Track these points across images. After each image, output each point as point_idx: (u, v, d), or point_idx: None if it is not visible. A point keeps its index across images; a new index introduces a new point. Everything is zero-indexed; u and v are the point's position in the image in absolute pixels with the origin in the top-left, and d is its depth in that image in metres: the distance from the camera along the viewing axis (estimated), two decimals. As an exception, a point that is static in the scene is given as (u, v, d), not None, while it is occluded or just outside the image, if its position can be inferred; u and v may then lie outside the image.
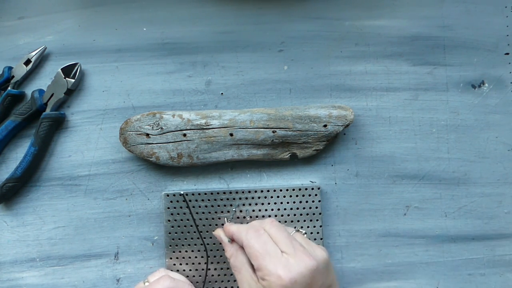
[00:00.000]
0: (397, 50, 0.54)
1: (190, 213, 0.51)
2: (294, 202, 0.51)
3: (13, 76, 0.52)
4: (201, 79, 0.54)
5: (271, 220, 0.47)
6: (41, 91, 0.52)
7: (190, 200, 0.51)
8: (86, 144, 0.53)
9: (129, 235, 0.52)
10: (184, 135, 0.50)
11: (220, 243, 0.50)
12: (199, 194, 0.51)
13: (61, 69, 0.52)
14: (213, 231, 0.50)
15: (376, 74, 0.54)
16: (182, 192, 0.51)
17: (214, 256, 0.51)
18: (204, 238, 0.51)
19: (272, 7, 0.54)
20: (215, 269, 0.51)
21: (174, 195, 0.51)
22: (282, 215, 0.51)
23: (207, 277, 0.51)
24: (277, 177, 0.53)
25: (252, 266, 0.44)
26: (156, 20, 0.54)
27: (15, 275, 0.52)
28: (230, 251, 0.47)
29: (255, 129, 0.50)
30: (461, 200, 0.53)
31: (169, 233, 0.51)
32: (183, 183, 0.53)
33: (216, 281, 0.51)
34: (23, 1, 0.54)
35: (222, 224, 0.51)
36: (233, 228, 0.47)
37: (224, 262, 0.51)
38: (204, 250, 0.51)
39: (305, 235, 0.48)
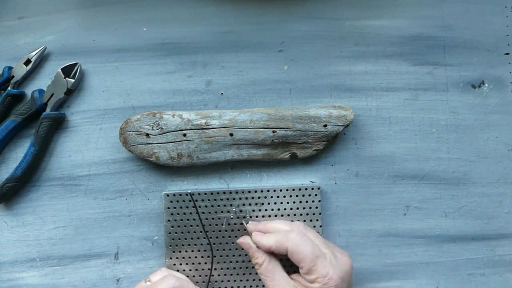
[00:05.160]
0: (397, 50, 0.54)
1: (197, 212, 0.51)
2: (294, 202, 0.51)
3: (13, 76, 0.52)
4: (201, 79, 0.54)
5: (301, 224, 0.48)
6: (41, 91, 0.52)
7: (196, 200, 0.51)
8: (86, 144, 0.53)
9: (129, 235, 0.52)
10: (184, 135, 0.50)
11: (235, 248, 0.49)
12: (199, 194, 0.51)
13: (61, 69, 0.52)
14: (238, 240, 0.49)
15: (376, 74, 0.54)
16: (189, 192, 0.51)
17: (215, 256, 0.51)
18: (210, 238, 0.51)
19: (272, 7, 0.54)
20: (215, 269, 0.51)
21: (174, 195, 0.51)
22: (282, 215, 0.51)
23: (212, 276, 0.51)
24: (277, 177, 0.53)
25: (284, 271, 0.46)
26: (156, 20, 0.54)
27: (15, 275, 0.52)
28: (262, 257, 0.46)
29: (255, 129, 0.50)
30: (461, 200, 0.53)
31: (169, 233, 0.51)
32: (183, 183, 0.53)
33: (216, 281, 0.51)
34: (23, 1, 0.54)
35: (245, 229, 0.51)
36: (271, 239, 0.46)
37: (230, 262, 0.51)
38: (210, 250, 0.51)
39: None
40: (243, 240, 0.48)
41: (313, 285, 0.43)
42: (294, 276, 0.46)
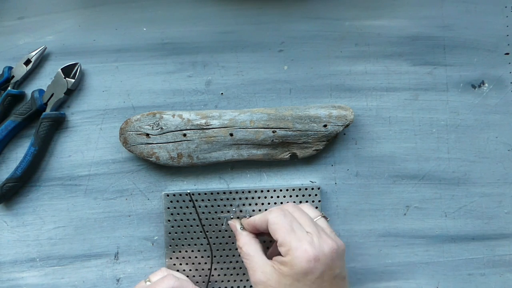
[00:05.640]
0: (397, 50, 0.54)
1: (196, 212, 0.51)
2: (294, 202, 0.51)
3: (13, 76, 0.52)
4: (201, 79, 0.54)
5: (292, 204, 0.47)
6: (41, 91, 0.52)
7: (196, 200, 0.51)
8: (86, 144, 0.53)
9: (129, 235, 0.52)
10: (184, 135, 0.50)
11: (235, 248, 0.49)
12: (199, 194, 0.51)
13: (61, 69, 0.52)
14: (229, 220, 0.50)
15: (376, 74, 0.54)
16: (188, 191, 0.51)
17: (215, 256, 0.51)
18: (210, 238, 0.51)
19: (272, 7, 0.54)
20: (215, 269, 0.51)
21: (174, 195, 0.51)
22: (282, 215, 0.51)
23: (212, 276, 0.51)
24: (277, 177, 0.53)
25: (265, 254, 0.45)
26: (156, 20, 0.54)
27: (15, 275, 0.52)
28: (243, 239, 0.46)
29: (255, 129, 0.50)
30: (461, 200, 0.53)
31: (169, 233, 0.51)
32: (183, 183, 0.53)
33: (216, 281, 0.51)
34: (23, 1, 0.54)
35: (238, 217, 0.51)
36: (256, 216, 0.47)
37: (230, 262, 0.51)
38: (210, 250, 0.51)
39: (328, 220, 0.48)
40: (232, 222, 0.49)
41: (285, 258, 0.41)
42: (274, 258, 0.45)
